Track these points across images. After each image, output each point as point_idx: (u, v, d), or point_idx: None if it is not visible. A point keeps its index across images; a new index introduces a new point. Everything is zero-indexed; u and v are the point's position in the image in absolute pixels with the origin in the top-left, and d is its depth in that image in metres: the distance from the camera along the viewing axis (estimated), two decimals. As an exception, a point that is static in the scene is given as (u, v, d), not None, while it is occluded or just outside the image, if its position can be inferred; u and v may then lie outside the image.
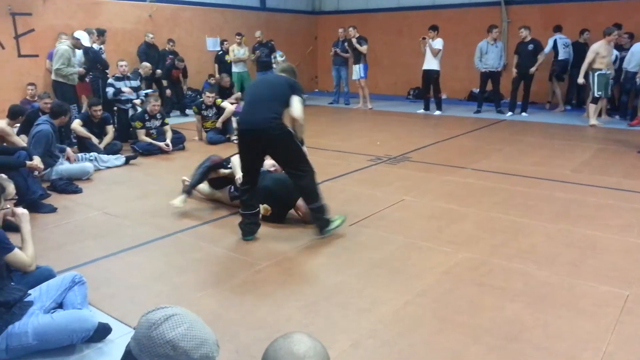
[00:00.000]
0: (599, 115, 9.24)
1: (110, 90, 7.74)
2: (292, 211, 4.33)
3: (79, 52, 7.74)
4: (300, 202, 4.14)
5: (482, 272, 3.29)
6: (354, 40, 10.82)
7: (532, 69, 9.72)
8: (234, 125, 9.01)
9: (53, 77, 7.44)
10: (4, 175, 4.15)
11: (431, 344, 2.53)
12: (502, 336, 2.58)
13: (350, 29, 10.89)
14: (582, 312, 2.80)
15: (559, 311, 2.81)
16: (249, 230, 3.88)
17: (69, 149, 5.84)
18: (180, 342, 1.23)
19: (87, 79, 8.32)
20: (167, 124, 7.29)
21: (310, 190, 3.83)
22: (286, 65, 4.23)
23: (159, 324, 1.25)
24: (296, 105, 3.71)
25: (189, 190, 4.61)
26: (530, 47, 9.67)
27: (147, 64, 9.31)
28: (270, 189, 4.20)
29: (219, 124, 7.77)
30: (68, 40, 7.60)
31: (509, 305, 2.88)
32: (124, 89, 7.71)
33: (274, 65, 11.06)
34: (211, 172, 4.72)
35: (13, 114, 5.74)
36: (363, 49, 10.82)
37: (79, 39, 7.51)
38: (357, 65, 11.02)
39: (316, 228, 3.90)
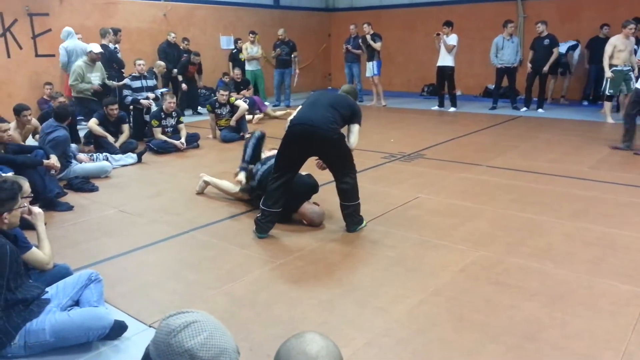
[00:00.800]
0: (617, 111, 9.07)
1: (129, 98, 7.79)
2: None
3: (99, 65, 7.75)
4: (304, 208, 4.08)
5: (498, 271, 3.25)
6: (368, 37, 10.77)
7: (545, 68, 9.61)
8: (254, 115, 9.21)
9: (73, 93, 7.55)
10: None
11: (447, 343, 2.51)
12: (520, 335, 2.54)
13: (365, 25, 10.82)
14: (601, 312, 2.75)
15: (578, 310, 2.77)
16: (265, 228, 3.86)
17: (80, 155, 5.90)
18: (199, 351, 1.20)
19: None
20: (182, 122, 7.33)
21: (355, 190, 3.91)
22: (349, 87, 4.28)
23: (178, 331, 1.22)
24: (356, 135, 3.89)
25: (245, 167, 4.64)
26: (546, 42, 9.53)
27: (161, 63, 9.36)
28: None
29: (232, 122, 7.79)
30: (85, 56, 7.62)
31: (526, 304, 2.84)
32: (143, 101, 7.74)
33: (293, 65, 11.17)
34: (263, 143, 4.83)
35: (14, 111, 5.75)
36: (377, 46, 10.77)
37: (92, 51, 7.53)
38: (370, 63, 10.96)
39: (348, 225, 3.96)
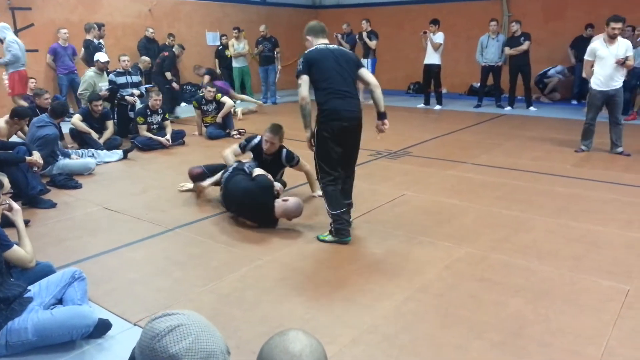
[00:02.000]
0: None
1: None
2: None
3: (106, 75, 7.69)
4: (277, 209, 3.91)
5: (484, 267, 3.28)
6: (364, 34, 10.71)
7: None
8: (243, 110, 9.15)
9: (82, 102, 7.46)
10: None
11: (433, 339, 2.52)
12: (505, 331, 2.57)
13: (363, 22, 10.73)
14: (584, 307, 2.79)
15: (561, 306, 2.80)
16: (348, 230, 3.72)
17: (73, 155, 5.82)
18: (184, 357, 1.16)
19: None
20: (168, 119, 7.27)
21: (351, 187, 3.90)
22: (318, 23, 3.94)
23: (162, 335, 1.18)
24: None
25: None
26: (522, 40, 9.62)
27: (146, 58, 9.25)
28: (242, 202, 4.03)
29: (219, 119, 7.75)
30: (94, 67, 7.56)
31: (511, 300, 2.87)
32: (128, 97, 7.65)
33: (276, 62, 11.07)
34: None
35: (15, 114, 5.62)
36: (372, 44, 10.68)
37: (99, 60, 7.45)
38: (365, 60, 10.90)
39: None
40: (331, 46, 3.71)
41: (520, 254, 3.47)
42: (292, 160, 4.55)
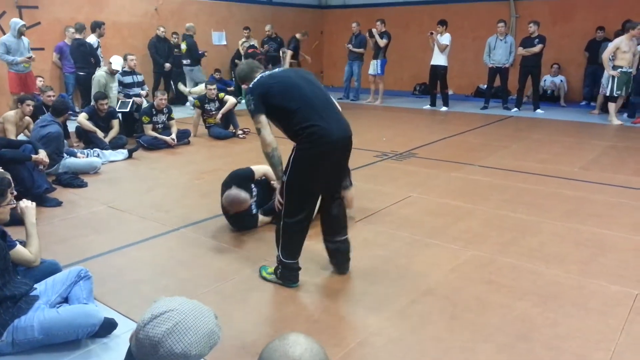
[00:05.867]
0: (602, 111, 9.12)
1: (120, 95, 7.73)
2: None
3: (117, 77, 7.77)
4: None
5: (491, 270, 3.26)
6: (374, 31, 10.69)
7: (508, 63, 9.92)
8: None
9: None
10: None
11: (439, 342, 2.51)
12: (512, 335, 2.55)
13: (378, 22, 10.70)
14: (592, 311, 2.77)
15: (569, 310, 2.78)
16: (297, 276, 3.09)
17: (79, 154, 5.83)
18: (165, 341, 1.28)
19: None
20: (173, 118, 7.26)
21: (346, 218, 3.19)
22: (252, 62, 3.29)
23: (144, 323, 1.29)
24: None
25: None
26: (536, 42, 9.58)
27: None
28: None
29: (219, 116, 7.61)
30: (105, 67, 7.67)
31: (518, 303, 2.85)
32: (136, 99, 7.67)
33: (282, 62, 11.04)
34: None
35: (18, 100, 5.65)
36: (382, 42, 10.66)
37: (111, 64, 7.51)
38: (375, 61, 10.88)
39: (345, 262, 3.24)
40: (290, 70, 3.19)
41: (527, 257, 3.44)
42: None
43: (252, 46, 9.87)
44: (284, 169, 2.90)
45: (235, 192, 3.76)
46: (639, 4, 10.03)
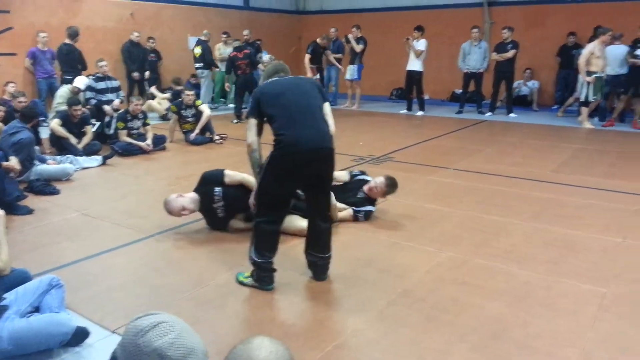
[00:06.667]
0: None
1: (92, 101, 7.58)
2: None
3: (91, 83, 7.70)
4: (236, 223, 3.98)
5: (465, 272, 3.31)
6: (350, 37, 10.76)
7: (482, 68, 10.10)
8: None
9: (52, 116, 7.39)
10: None
11: (416, 343, 2.53)
12: (486, 334, 2.59)
13: (354, 29, 10.80)
14: (562, 311, 2.83)
15: (540, 310, 2.84)
16: (272, 278, 3.08)
17: (50, 160, 5.72)
18: (168, 350, 1.18)
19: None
20: (148, 124, 7.19)
21: (330, 236, 3.17)
22: (280, 65, 3.27)
23: (146, 331, 1.21)
24: (332, 117, 3.06)
25: None
26: (510, 47, 9.78)
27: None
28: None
29: (197, 130, 7.54)
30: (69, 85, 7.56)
31: (492, 304, 2.90)
32: (106, 108, 7.55)
33: (260, 66, 11.00)
34: None
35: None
36: (358, 47, 10.74)
37: (76, 86, 7.40)
38: (352, 66, 10.96)
39: (322, 275, 3.21)
40: (292, 77, 3.18)
41: (500, 258, 3.51)
42: None
43: (235, 49, 9.86)
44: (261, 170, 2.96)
45: (171, 197, 3.91)
46: (609, 10, 10.33)
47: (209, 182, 4.02)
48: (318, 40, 10.84)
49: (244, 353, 1.08)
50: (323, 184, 3.05)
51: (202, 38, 10.75)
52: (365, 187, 4.36)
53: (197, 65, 10.73)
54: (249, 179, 3.80)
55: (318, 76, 10.21)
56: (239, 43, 10.17)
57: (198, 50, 10.62)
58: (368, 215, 4.27)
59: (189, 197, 3.93)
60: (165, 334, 1.21)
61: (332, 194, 3.37)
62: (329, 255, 3.17)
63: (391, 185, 4.32)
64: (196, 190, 4.04)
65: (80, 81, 7.47)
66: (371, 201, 4.35)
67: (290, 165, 2.85)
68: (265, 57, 11.51)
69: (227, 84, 10.64)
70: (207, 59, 10.63)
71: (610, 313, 2.81)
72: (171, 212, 3.90)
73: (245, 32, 11.25)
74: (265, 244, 2.99)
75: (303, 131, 2.84)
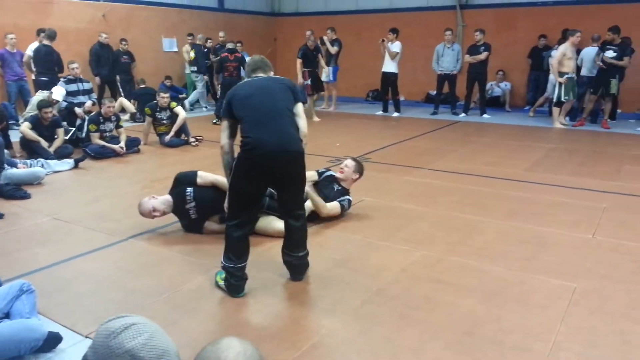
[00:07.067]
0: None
1: (63, 103, 7.45)
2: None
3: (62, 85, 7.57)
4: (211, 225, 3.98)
5: (439, 270, 3.36)
6: (325, 39, 10.77)
7: (455, 70, 10.27)
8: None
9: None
10: None
11: (390, 341, 2.56)
12: (459, 331, 2.63)
13: (329, 31, 10.81)
14: (533, 305, 2.89)
15: (512, 305, 2.90)
16: (242, 285, 3.02)
17: (20, 164, 5.59)
18: (140, 352, 1.17)
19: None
20: (122, 126, 7.10)
21: (306, 234, 3.17)
22: (260, 60, 3.23)
23: (118, 332, 1.19)
24: (304, 119, 3.08)
25: None
26: (482, 49, 9.94)
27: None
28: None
29: (172, 133, 7.48)
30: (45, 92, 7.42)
31: (465, 301, 2.95)
32: (77, 110, 7.42)
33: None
34: None
35: None
36: (332, 49, 10.77)
37: (54, 98, 7.25)
38: (327, 68, 10.98)
39: (299, 275, 3.22)
40: (264, 78, 3.14)
41: (473, 256, 3.57)
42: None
43: (227, 50, 9.80)
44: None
45: (144, 199, 3.93)
46: (577, 12, 10.60)
47: (181, 183, 4.02)
48: (308, 43, 10.76)
49: (213, 354, 1.06)
50: (292, 184, 3.03)
51: (197, 42, 10.97)
52: (337, 171, 4.48)
53: (192, 69, 10.90)
54: (222, 180, 3.78)
55: (309, 81, 10.11)
56: (232, 45, 10.10)
57: (192, 54, 10.80)
58: (350, 204, 4.38)
59: (161, 199, 3.92)
60: (138, 336, 1.19)
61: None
62: (304, 254, 3.16)
63: (358, 163, 4.51)
64: (170, 192, 4.03)
65: (58, 92, 7.33)
66: (346, 192, 4.43)
67: (257, 166, 2.86)
68: (247, 59, 11.45)
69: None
70: (200, 63, 10.74)
71: (580, 307, 2.88)
72: (143, 213, 3.91)
73: (221, 34, 11.22)
74: (234, 250, 2.96)
75: (266, 135, 2.83)
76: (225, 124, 3.01)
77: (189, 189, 3.94)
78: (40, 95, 7.34)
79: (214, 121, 9.42)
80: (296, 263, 3.18)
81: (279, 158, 2.86)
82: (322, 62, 10.64)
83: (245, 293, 3.04)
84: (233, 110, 2.95)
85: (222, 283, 3.08)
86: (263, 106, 2.92)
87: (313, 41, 10.42)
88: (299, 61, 10.21)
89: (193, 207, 3.93)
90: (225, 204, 3.09)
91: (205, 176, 4.00)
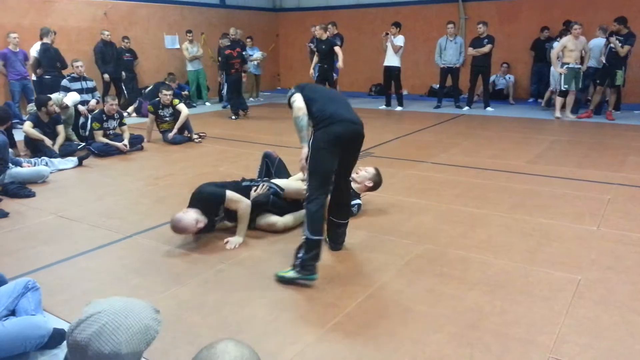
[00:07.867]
0: (562, 108, 9.45)
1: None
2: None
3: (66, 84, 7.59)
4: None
5: (442, 263, 3.35)
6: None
7: (458, 63, 10.19)
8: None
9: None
10: None
11: (394, 335, 2.56)
12: (462, 324, 2.63)
13: (330, 25, 10.78)
14: (538, 298, 2.89)
15: (516, 298, 2.89)
16: (316, 266, 3.10)
17: (25, 163, 5.61)
18: (92, 344, 1.26)
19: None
20: (125, 124, 7.11)
21: (350, 201, 3.72)
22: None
23: (72, 329, 1.27)
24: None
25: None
26: (485, 42, 9.90)
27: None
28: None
29: (175, 130, 7.47)
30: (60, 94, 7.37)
31: (468, 294, 2.94)
32: (81, 108, 7.43)
33: (251, 63, 11.04)
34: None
35: None
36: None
37: (65, 103, 7.23)
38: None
39: (339, 243, 3.60)
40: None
41: (476, 249, 3.56)
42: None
43: (229, 46, 9.81)
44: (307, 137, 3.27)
45: (177, 215, 3.59)
46: (580, 4, 10.52)
47: (210, 203, 3.73)
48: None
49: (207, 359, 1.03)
50: (357, 152, 3.44)
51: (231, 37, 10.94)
52: (353, 174, 4.34)
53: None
54: (246, 211, 3.74)
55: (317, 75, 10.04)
56: (228, 41, 10.07)
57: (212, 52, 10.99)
58: (359, 208, 4.31)
59: (194, 210, 3.64)
60: (88, 328, 1.28)
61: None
62: (346, 221, 3.55)
63: (378, 174, 4.38)
64: (193, 206, 3.72)
65: (70, 98, 7.33)
66: (357, 195, 4.36)
67: (338, 132, 3.16)
68: (258, 54, 11.48)
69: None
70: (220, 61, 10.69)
71: (584, 299, 2.87)
72: (187, 228, 3.58)
73: (232, 31, 11.10)
74: (318, 222, 3.14)
75: (340, 109, 3.29)
76: (299, 95, 3.30)
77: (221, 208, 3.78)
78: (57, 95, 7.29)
79: (232, 117, 9.77)
80: (340, 232, 3.57)
81: (356, 126, 3.28)
82: (340, 58, 10.04)
83: (318, 277, 3.08)
84: (305, 92, 3.34)
85: (291, 274, 3.09)
86: (331, 92, 3.73)
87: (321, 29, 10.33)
88: (315, 56, 9.99)
89: (221, 218, 3.90)
90: (305, 183, 3.34)
91: (231, 197, 3.72)
